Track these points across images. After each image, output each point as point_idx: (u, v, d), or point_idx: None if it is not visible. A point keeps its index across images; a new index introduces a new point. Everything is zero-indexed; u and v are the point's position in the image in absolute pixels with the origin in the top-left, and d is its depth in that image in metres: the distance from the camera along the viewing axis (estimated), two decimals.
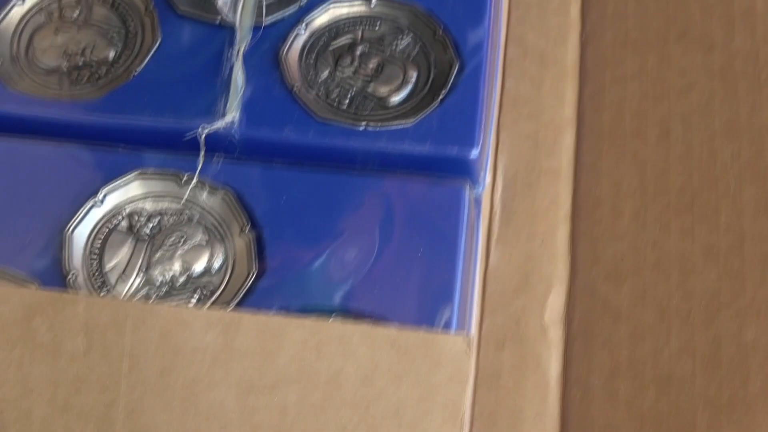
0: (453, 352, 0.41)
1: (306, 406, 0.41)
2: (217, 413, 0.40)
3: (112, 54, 0.51)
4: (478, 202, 0.49)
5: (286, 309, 0.45)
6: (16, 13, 0.52)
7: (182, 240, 0.46)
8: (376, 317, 0.44)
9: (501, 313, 0.47)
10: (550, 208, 0.49)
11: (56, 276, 0.46)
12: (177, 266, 0.46)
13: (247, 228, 0.46)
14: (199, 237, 0.47)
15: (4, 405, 0.41)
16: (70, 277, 0.45)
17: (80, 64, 0.51)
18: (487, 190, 0.50)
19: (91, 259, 0.46)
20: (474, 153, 0.48)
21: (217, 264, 0.46)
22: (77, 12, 0.52)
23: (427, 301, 0.45)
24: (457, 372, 0.41)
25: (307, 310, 0.45)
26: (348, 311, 0.45)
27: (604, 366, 0.44)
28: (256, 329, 0.41)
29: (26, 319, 0.41)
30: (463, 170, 0.48)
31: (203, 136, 0.47)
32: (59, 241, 0.46)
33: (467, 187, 0.47)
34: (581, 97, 0.51)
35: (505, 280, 0.47)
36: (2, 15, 0.52)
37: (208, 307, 0.45)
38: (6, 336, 0.41)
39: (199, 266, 0.46)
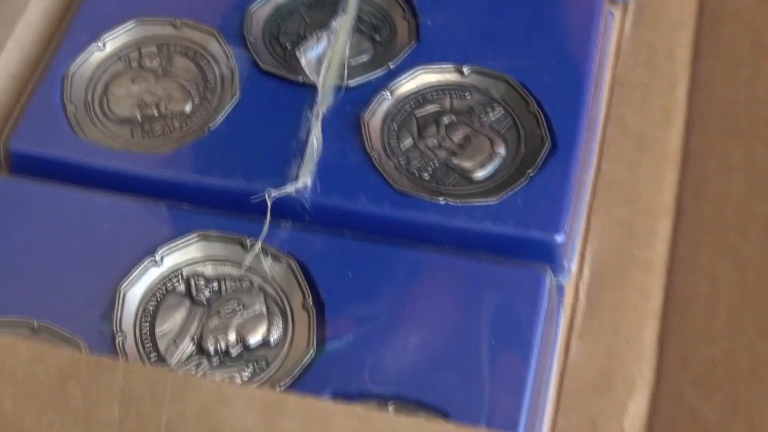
0: None
1: None
2: None
3: (188, 107, 0.49)
4: (560, 290, 0.46)
5: (342, 391, 0.42)
6: (95, 58, 0.51)
7: (240, 309, 0.44)
8: (436, 410, 0.41)
9: (577, 414, 0.43)
10: (639, 303, 0.45)
11: (104, 337, 0.43)
12: (232, 336, 0.43)
13: (310, 301, 0.44)
14: (258, 307, 0.44)
15: None
16: (118, 339, 0.43)
17: (154, 115, 0.49)
18: (572, 278, 0.46)
19: (143, 321, 0.43)
20: (559, 238, 0.45)
21: (274, 337, 0.43)
22: (157, 61, 0.50)
23: (494, 395, 0.42)
24: None
25: (363, 394, 0.42)
26: (406, 400, 0.41)
27: None
28: (302, 414, 0.38)
29: (60, 383, 0.39)
30: (546, 255, 0.45)
31: (271, 200, 0.45)
32: (111, 299, 0.44)
33: (548, 274, 0.44)
34: (681, 185, 0.48)
35: (585, 377, 0.43)
36: (81, 60, 0.50)
37: (260, 384, 0.42)
38: (38, 399, 0.39)
39: (255, 338, 0.43)
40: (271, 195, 0.45)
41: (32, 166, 0.48)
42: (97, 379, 0.39)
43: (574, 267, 0.46)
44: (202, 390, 0.38)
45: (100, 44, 0.51)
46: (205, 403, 0.38)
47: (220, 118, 0.48)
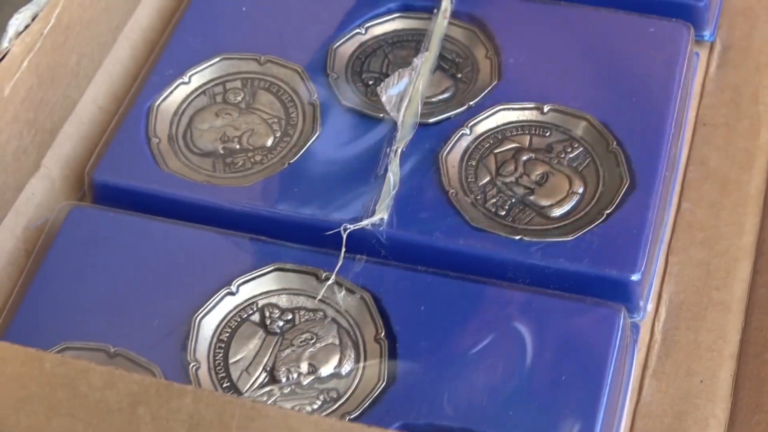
0: None
1: None
2: None
3: (270, 141, 0.50)
4: (635, 329, 0.45)
5: (412, 425, 0.42)
6: (181, 92, 0.52)
7: (313, 340, 0.44)
8: None
9: None
10: (716, 345, 0.44)
11: (179, 364, 0.44)
12: (304, 367, 0.43)
13: (382, 334, 0.44)
14: (331, 338, 0.44)
15: None
16: (192, 366, 0.43)
17: (237, 148, 0.49)
18: (648, 317, 0.46)
19: (217, 350, 0.44)
20: (635, 277, 0.44)
21: (346, 369, 0.43)
22: (241, 97, 0.51)
23: (565, 428, 0.41)
24: None
25: (433, 427, 0.41)
26: None
27: None
28: None
29: (130, 407, 0.39)
30: (621, 295, 0.45)
31: (346, 234, 0.45)
32: (187, 328, 0.44)
33: (623, 313, 0.43)
34: (763, 228, 0.47)
35: (657, 418, 0.43)
36: (166, 94, 0.51)
37: (328, 414, 0.42)
38: (108, 424, 0.39)
39: (327, 369, 0.43)
40: (347, 229, 0.45)
41: (116, 197, 0.49)
42: (167, 404, 0.39)
43: (650, 306, 0.46)
44: (269, 418, 0.39)
45: (186, 79, 0.52)
46: (272, 431, 0.38)
47: (301, 152, 0.49)
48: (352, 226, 0.45)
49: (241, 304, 0.45)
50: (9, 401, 0.40)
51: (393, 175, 0.47)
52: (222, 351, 0.44)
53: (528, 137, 0.49)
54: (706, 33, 0.53)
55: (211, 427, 0.39)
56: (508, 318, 0.44)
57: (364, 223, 0.45)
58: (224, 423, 0.39)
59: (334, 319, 0.45)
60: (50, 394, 0.40)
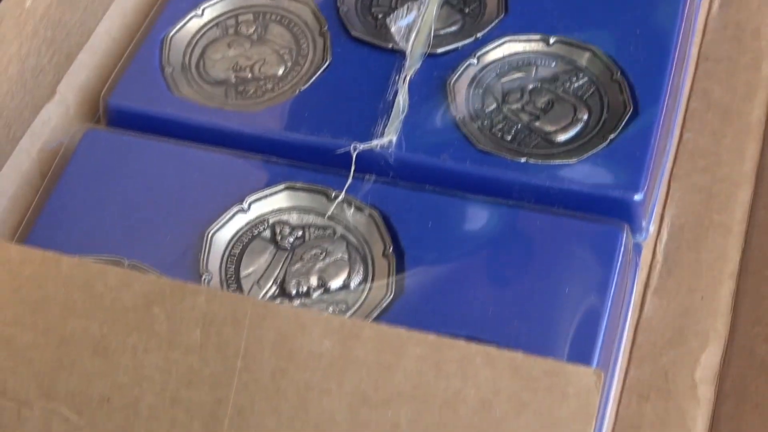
0: (581, 385, 0.38)
1: (419, 426, 0.38)
2: (327, 423, 0.38)
3: (280, 71, 0.51)
4: (638, 249, 0.46)
5: None
6: (194, 24, 0.53)
7: (323, 255, 0.45)
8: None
9: (649, 365, 0.43)
10: (716, 264, 0.45)
11: (191, 276, 0.45)
12: (314, 280, 0.44)
13: (390, 250, 0.45)
14: (340, 254, 0.45)
15: (113, 391, 0.40)
16: (204, 278, 0.44)
17: (248, 77, 0.50)
18: (650, 240, 0.46)
19: (229, 263, 0.45)
20: (637, 197, 0.45)
21: (355, 282, 0.44)
22: (253, 29, 0.52)
23: (566, 341, 0.42)
24: (583, 407, 0.38)
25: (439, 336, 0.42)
26: (481, 342, 0.42)
27: (754, 428, 0.40)
28: (376, 340, 0.39)
29: (145, 307, 0.40)
30: (624, 214, 0.46)
31: (356, 153, 0.46)
32: (199, 242, 0.45)
33: (625, 231, 0.44)
34: (763, 155, 0.48)
35: (658, 331, 0.44)
36: (180, 26, 0.52)
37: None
38: (124, 322, 0.40)
39: (336, 282, 0.44)
40: (357, 148, 0.46)
41: (130, 122, 0.50)
42: (181, 303, 0.40)
43: (652, 228, 0.46)
44: (280, 316, 0.40)
45: (199, 12, 0.53)
46: (284, 329, 0.39)
47: (311, 80, 0.50)
48: (361, 146, 0.46)
49: (253, 221, 0.46)
50: (27, 302, 0.41)
51: (402, 99, 0.48)
52: (234, 264, 0.45)
53: (534, 67, 0.50)
54: None
55: (224, 325, 0.40)
56: (513, 235, 0.45)
57: (374, 143, 0.46)
58: (237, 321, 0.40)
59: (343, 236, 0.46)
60: (67, 295, 0.41)
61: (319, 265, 0.45)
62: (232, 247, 0.45)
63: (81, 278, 0.41)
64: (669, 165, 0.49)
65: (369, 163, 0.47)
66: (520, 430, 0.38)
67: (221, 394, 0.39)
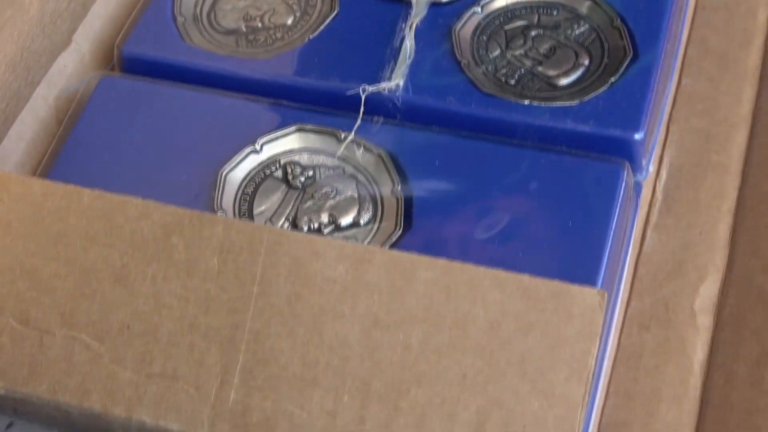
0: (585, 305, 0.39)
1: (429, 347, 0.40)
2: (341, 345, 0.40)
3: (290, 20, 0.52)
4: (638, 188, 0.48)
5: None
6: None
7: (333, 193, 0.46)
8: None
9: (649, 297, 0.45)
10: (714, 202, 0.47)
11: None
12: (324, 217, 0.46)
13: (398, 187, 0.46)
14: (350, 192, 0.46)
15: (134, 318, 0.41)
16: (219, 214, 0.46)
17: (258, 26, 0.52)
18: (650, 180, 0.48)
19: (242, 201, 0.46)
20: (638, 136, 0.47)
21: (364, 219, 0.46)
22: None
23: (569, 272, 0.43)
24: (587, 326, 0.39)
25: None
26: None
27: (751, 354, 0.42)
28: (388, 265, 0.40)
29: (164, 236, 0.42)
30: (624, 153, 0.47)
31: (365, 94, 0.47)
32: (213, 182, 0.47)
33: (626, 169, 0.46)
34: (759, 99, 0.49)
35: (658, 265, 0.45)
36: None
37: None
38: (143, 251, 0.42)
39: (346, 219, 0.46)
40: (365, 90, 0.47)
41: (143, 69, 0.51)
42: (199, 233, 0.42)
43: (652, 169, 0.48)
44: (295, 243, 0.41)
45: None
46: (299, 255, 0.41)
47: (320, 29, 0.51)
48: (370, 87, 0.47)
49: (265, 161, 0.48)
50: (49, 234, 0.43)
51: (408, 45, 0.49)
52: (247, 203, 0.46)
53: (536, 15, 0.51)
54: None
55: (241, 253, 0.41)
56: (517, 173, 0.46)
57: (382, 86, 0.48)
58: (254, 248, 0.41)
59: (352, 175, 0.47)
60: (88, 226, 0.42)
61: (330, 202, 0.46)
62: (245, 187, 0.47)
63: (102, 210, 0.42)
64: (668, 109, 0.50)
65: (377, 107, 0.48)
66: (528, 349, 0.39)
67: (238, 320, 0.41)
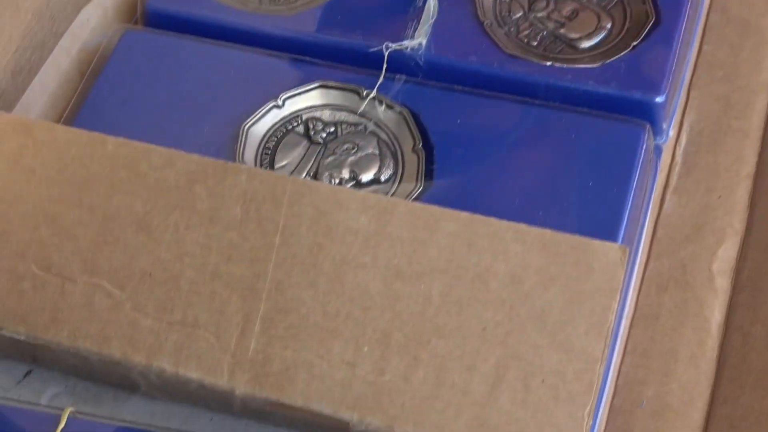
0: (606, 259, 0.39)
1: (450, 299, 0.40)
2: (362, 295, 0.40)
3: None
4: (658, 151, 0.48)
5: None
6: None
7: (354, 149, 0.47)
8: None
9: (668, 259, 0.45)
10: (733, 166, 0.47)
11: None
12: (346, 173, 0.46)
13: (420, 145, 0.46)
14: (372, 149, 0.47)
15: (156, 266, 0.41)
16: None
17: None
18: (669, 144, 0.48)
19: (264, 155, 0.47)
20: (659, 99, 0.47)
21: (385, 175, 0.46)
22: None
23: (590, 232, 0.43)
24: (608, 281, 0.39)
25: None
26: None
27: None
28: (410, 217, 0.41)
29: (188, 185, 0.42)
30: (645, 115, 0.47)
31: (387, 52, 0.47)
32: (235, 135, 0.47)
33: (647, 130, 0.46)
34: None
35: (677, 227, 0.46)
36: None
37: None
38: (167, 200, 0.42)
39: (367, 175, 0.46)
40: (389, 48, 0.48)
41: (167, 24, 0.51)
42: (223, 182, 0.42)
43: (672, 133, 0.48)
44: (318, 193, 0.41)
45: None
46: (321, 206, 0.41)
47: None
48: (393, 45, 0.48)
49: (287, 116, 0.48)
50: (72, 181, 0.43)
51: (432, 4, 0.49)
52: (268, 157, 0.47)
53: None
54: None
55: (264, 202, 0.41)
56: (539, 132, 0.47)
57: (405, 44, 0.48)
58: (276, 198, 0.41)
59: (374, 132, 0.47)
60: (112, 174, 0.43)
61: (351, 158, 0.46)
62: (267, 141, 0.47)
63: (126, 157, 0.43)
64: (688, 75, 0.50)
65: (399, 65, 0.48)
66: (548, 303, 0.39)
67: (260, 269, 0.41)
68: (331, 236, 0.41)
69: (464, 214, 0.40)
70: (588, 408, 0.39)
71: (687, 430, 0.41)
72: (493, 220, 0.40)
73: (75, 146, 0.43)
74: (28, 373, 0.44)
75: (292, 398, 0.39)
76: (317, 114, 0.48)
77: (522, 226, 0.40)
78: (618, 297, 0.39)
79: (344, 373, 0.39)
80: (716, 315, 0.43)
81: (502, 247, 0.40)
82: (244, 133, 0.47)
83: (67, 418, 0.40)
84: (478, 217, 0.40)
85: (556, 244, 0.40)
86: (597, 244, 0.39)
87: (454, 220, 0.40)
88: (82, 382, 0.42)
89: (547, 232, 0.40)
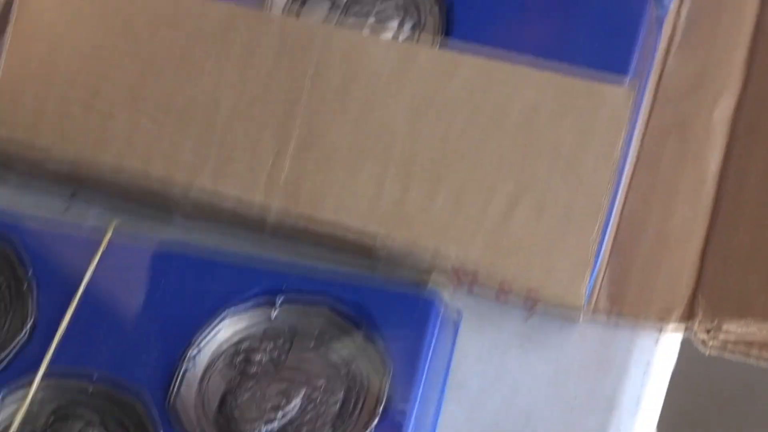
0: (614, 99, 0.43)
1: (469, 133, 0.43)
2: (387, 130, 0.43)
3: None
4: (659, 22, 0.50)
5: None
6: None
7: (374, 7, 0.49)
8: None
9: (670, 108, 0.48)
10: (732, 30, 0.50)
11: None
12: (367, 29, 0.49)
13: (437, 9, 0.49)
14: (391, 10, 0.49)
15: (196, 98, 0.44)
16: None
17: None
18: (672, 9, 0.51)
19: (288, 15, 0.49)
20: None
21: (407, 27, 0.48)
22: None
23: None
24: (615, 119, 0.43)
25: None
26: None
27: (764, 163, 0.45)
28: (432, 60, 0.44)
29: (222, 33, 0.45)
30: None
31: None
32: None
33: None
34: None
35: (680, 81, 0.48)
36: None
37: None
38: (202, 47, 0.45)
39: (391, 25, 0.48)
40: None
41: None
42: (256, 29, 0.45)
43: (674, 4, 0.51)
44: (346, 39, 0.45)
45: None
46: (349, 50, 0.44)
47: None
48: None
49: None
50: (118, 17, 0.46)
51: None
52: (293, 15, 0.49)
53: None
54: None
55: (295, 48, 0.45)
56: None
57: None
58: (307, 44, 0.45)
59: None
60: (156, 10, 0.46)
61: (372, 19, 0.49)
62: (293, 1, 0.50)
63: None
64: None
65: None
66: (560, 136, 0.43)
67: (293, 105, 0.44)
68: (358, 77, 0.44)
69: (481, 60, 0.44)
70: (594, 234, 0.42)
71: (684, 262, 0.44)
72: (508, 66, 0.43)
73: None
74: (73, 194, 0.47)
75: (323, 213, 0.42)
76: None
77: (536, 72, 0.43)
78: (623, 134, 0.42)
79: (372, 191, 0.43)
80: (713, 163, 0.47)
81: (518, 89, 0.43)
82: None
83: (112, 233, 0.43)
84: (495, 63, 0.43)
85: (568, 86, 0.43)
86: (605, 87, 0.43)
87: (471, 65, 0.44)
88: (124, 204, 0.45)
89: (560, 77, 0.43)
